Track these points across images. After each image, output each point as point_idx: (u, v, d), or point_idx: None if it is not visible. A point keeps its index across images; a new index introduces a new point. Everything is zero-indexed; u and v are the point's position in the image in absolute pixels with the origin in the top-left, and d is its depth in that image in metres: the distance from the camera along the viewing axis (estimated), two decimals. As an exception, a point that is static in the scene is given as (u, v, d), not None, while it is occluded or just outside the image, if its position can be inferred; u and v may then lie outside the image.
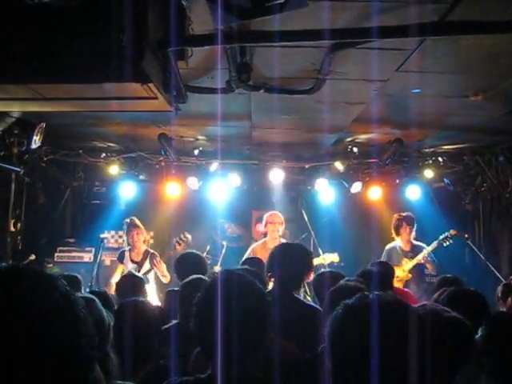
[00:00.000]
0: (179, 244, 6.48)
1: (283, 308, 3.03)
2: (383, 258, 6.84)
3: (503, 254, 7.53)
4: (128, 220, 6.86)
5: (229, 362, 1.79)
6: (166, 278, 6.39)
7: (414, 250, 6.75)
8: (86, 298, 2.42)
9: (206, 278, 3.35)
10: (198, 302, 1.94)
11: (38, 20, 2.43)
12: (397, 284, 6.63)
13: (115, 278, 6.67)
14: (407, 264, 6.63)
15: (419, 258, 6.55)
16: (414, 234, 6.83)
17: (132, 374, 2.59)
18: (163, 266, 6.41)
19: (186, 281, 3.51)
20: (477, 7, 2.78)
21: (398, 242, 6.87)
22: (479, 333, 2.39)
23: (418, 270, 6.58)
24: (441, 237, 6.65)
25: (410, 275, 6.55)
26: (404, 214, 6.89)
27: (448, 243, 6.64)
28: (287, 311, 3.18)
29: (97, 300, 2.53)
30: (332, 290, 3.01)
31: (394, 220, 6.94)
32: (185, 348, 2.63)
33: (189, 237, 6.62)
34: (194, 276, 3.53)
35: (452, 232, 6.95)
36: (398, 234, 6.88)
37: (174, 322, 3.34)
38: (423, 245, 6.76)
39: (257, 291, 1.95)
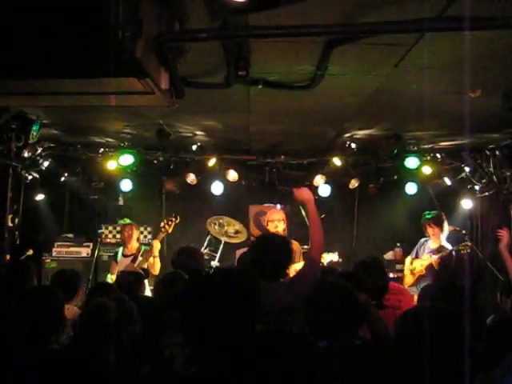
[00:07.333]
0: (169, 225, 6.53)
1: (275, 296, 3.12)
2: (413, 251, 6.93)
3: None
4: (121, 220, 7.39)
5: (215, 356, 1.78)
6: (154, 270, 6.46)
7: (440, 249, 6.71)
8: None
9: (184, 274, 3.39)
10: (186, 296, 1.92)
11: (36, 14, 2.42)
12: (410, 276, 6.68)
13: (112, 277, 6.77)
14: (426, 260, 6.65)
15: (432, 259, 6.56)
16: (446, 232, 6.77)
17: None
18: (157, 262, 6.50)
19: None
20: (476, 2, 2.77)
21: (429, 238, 6.87)
22: None
23: (431, 268, 6.57)
24: (460, 246, 6.63)
25: (424, 271, 6.55)
26: (428, 216, 6.82)
27: (466, 251, 6.61)
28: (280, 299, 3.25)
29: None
30: None
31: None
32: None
33: (177, 217, 6.69)
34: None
35: (450, 228, 6.96)
36: (426, 233, 6.86)
37: None
38: (448, 246, 6.72)
39: (246, 288, 1.93)
